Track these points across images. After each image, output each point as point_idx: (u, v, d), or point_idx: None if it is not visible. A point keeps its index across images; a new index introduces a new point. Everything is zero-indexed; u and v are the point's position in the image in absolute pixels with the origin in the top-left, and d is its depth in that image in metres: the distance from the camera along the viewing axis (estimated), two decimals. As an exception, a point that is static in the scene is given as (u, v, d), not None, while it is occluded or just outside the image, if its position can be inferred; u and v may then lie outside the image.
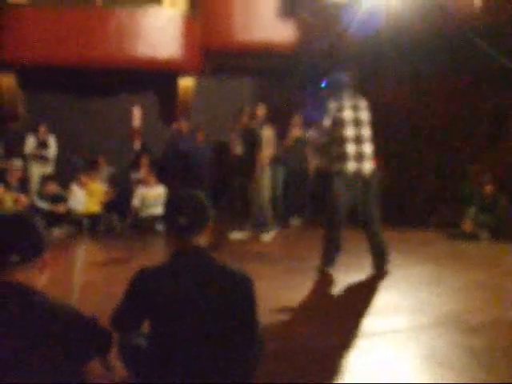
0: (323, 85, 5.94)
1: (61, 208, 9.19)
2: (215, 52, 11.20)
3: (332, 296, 5.26)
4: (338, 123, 5.65)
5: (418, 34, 8.93)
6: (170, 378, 2.51)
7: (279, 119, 9.45)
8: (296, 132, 9.77)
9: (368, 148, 5.73)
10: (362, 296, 5.18)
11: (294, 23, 11.19)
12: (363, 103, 5.86)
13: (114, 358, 2.68)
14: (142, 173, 10.20)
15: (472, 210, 8.21)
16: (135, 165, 10.68)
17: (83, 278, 5.99)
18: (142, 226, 9.28)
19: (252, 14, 11.24)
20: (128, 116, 11.38)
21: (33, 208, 9.00)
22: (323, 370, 3.42)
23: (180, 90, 11.41)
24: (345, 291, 5.37)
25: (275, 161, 9.00)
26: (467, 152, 9.27)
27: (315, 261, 5.96)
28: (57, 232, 8.82)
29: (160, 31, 10.82)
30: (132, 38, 10.66)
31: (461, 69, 9.05)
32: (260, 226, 8.42)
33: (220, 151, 11.30)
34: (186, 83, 11.42)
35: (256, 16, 11.24)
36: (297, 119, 9.75)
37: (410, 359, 3.60)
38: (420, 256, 6.63)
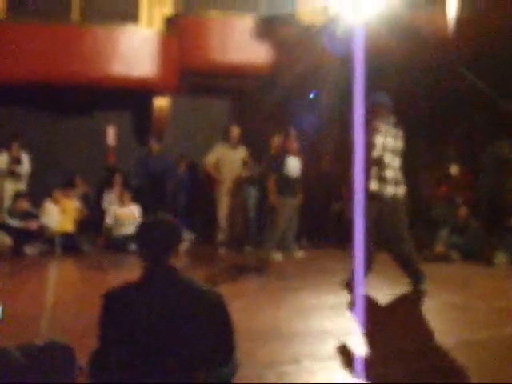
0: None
1: (33, 225, 9.05)
2: (191, 72, 11.22)
3: (302, 316, 5.24)
4: (384, 148, 5.82)
5: (394, 57, 9.05)
6: None
7: (255, 140, 9.50)
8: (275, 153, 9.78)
9: (400, 174, 5.99)
10: (330, 317, 5.16)
11: (271, 44, 11.27)
12: (401, 132, 6.08)
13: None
14: (116, 192, 10.15)
15: (444, 232, 8.30)
16: (109, 184, 10.62)
17: (55, 297, 5.90)
18: (114, 246, 9.19)
19: (229, 34, 11.30)
20: (103, 135, 11.33)
21: (4, 225, 8.89)
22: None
23: (155, 109, 11.41)
24: (315, 312, 5.35)
25: (249, 182, 9.09)
26: (439, 175, 9.39)
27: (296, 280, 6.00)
28: (29, 250, 8.71)
29: (136, 50, 10.83)
30: (108, 56, 10.65)
31: (433, 92, 9.18)
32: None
33: (195, 171, 11.28)
34: (161, 103, 11.43)
35: (232, 37, 11.30)
36: (276, 139, 9.68)
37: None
38: (393, 277, 6.64)
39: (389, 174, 5.82)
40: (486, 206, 9.15)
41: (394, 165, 5.90)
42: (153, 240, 2.71)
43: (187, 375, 2.50)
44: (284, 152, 8.53)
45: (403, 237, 5.93)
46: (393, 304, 5.62)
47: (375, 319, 5.01)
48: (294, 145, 8.56)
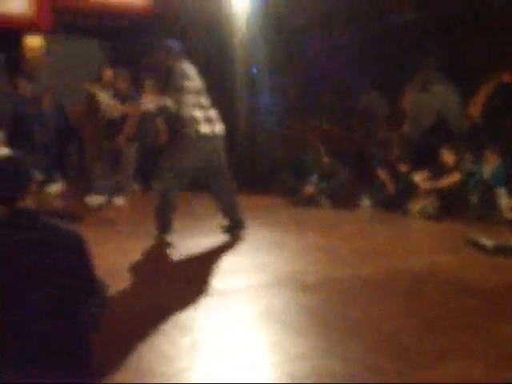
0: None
1: None
2: (66, 10, 10.82)
3: (176, 259, 5.38)
4: (184, 90, 5.72)
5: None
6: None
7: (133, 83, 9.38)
8: (148, 98, 9.65)
9: (213, 112, 5.90)
10: (205, 258, 5.34)
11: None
12: (195, 71, 6.01)
13: None
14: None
15: (313, 178, 8.64)
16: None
17: None
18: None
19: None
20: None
21: None
22: (166, 328, 3.55)
23: (27, 49, 10.97)
24: (188, 254, 5.50)
25: None
26: (309, 123, 9.76)
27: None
28: None
29: (6, -14, 10.30)
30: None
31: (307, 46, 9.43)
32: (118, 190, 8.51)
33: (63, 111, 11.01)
34: (33, 42, 10.99)
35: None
36: (148, 86, 9.57)
37: (249, 317, 3.79)
38: (264, 221, 6.90)
39: (199, 113, 5.74)
40: (355, 155, 9.60)
41: (201, 104, 5.83)
42: None
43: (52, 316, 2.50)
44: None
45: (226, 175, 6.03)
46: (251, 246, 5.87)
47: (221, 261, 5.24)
48: (122, 85, 8.58)
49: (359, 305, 4.06)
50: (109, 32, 11.62)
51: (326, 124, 9.66)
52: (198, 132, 5.66)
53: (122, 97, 8.58)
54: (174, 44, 6.04)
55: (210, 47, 9.97)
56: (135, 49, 10.85)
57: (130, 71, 9.00)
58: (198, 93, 5.84)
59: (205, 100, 5.90)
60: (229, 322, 3.70)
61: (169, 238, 5.77)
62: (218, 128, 5.86)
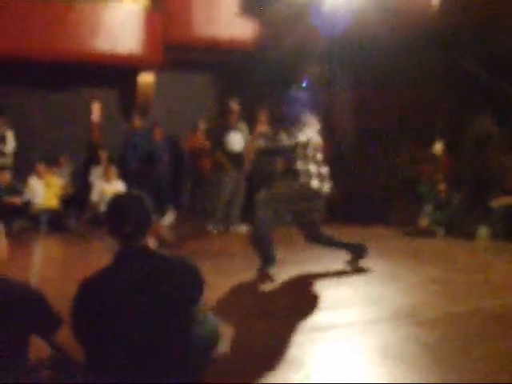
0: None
1: (16, 200, 9.00)
2: (176, 47, 11.16)
3: (286, 291, 5.31)
4: (305, 144, 5.74)
5: (378, 35, 9.05)
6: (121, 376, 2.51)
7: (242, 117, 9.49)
8: (262, 129, 9.69)
9: (325, 170, 5.88)
10: (317, 291, 5.25)
11: (257, 19, 11.21)
12: (318, 127, 5.98)
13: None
14: (102, 168, 10.14)
15: (428, 208, 8.40)
16: (95, 160, 10.61)
17: (41, 274, 5.94)
18: (100, 222, 9.16)
19: (214, 9, 11.25)
20: (88, 111, 11.29)
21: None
22: (279, 363, 3.48)
23: (140, 85, 11.36)
24: (301, 286, 5.43)
25: None
26: (422, 152, 9.51)
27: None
28: (13, 226, 8.63)
29: (121, 26, 10.75)
30: (92, 33, 10.56)
31: (417, 69, 9.22)
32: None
33: (178, 147, 11.32)
34: (146, 78, 11.38)
35: (218, 11, 11.24)
36: (263, 116, 9.56)
37: (364, 352, 3.67)
38: (377, 252, 6.72)
39: (314, 168, 5.76)
40: (470, 182, 9.26)
41: (316, 159, 5.83)
42: (125, 218, 2.59)
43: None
44: (225, 127, 8.72)
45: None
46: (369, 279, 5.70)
47: (347, 294, 5.11)
48: (234, 120, 8.70)
49: (482, 341, 3.83)
50: (218, 66, 11.86)
51: (438, 150, 9.40)
52: (308, 185, 5.68)
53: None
54: (301, 96, 6.02)
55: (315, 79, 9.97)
56: (244, 82, 11.02)
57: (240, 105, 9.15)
58: (315, 149, 5.83)
59: (320, 156, 5.90)
60: (342, 356, 3.59)
61: (271, 270, 5.71)
62: (326, 187, 5.84)
